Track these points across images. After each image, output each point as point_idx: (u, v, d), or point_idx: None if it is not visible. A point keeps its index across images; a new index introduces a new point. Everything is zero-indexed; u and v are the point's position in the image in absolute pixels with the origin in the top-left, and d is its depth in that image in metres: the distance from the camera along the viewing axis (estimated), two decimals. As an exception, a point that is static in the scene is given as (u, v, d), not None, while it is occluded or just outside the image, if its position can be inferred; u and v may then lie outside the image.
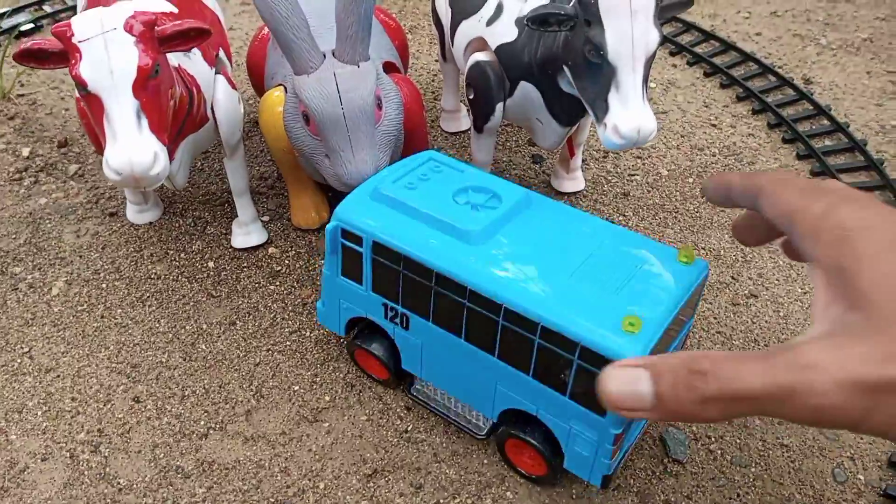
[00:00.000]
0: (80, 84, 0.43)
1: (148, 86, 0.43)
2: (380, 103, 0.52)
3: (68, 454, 0.49)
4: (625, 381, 0.31)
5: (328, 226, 0.46)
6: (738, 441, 0.48)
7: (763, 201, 0.35)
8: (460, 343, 0.43)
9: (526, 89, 0.54)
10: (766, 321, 0.57)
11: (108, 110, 0.43)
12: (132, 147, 0.42)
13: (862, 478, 0.46)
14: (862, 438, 0.48)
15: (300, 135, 0.53)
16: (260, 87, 0.67)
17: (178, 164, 0.53)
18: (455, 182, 0.46)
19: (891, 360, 0.28)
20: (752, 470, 0.47)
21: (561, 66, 0.48)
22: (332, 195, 0.66)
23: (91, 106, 0.43)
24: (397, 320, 0.46)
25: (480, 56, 0.57)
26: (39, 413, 0.51)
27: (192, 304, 0.58)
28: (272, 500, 0.45)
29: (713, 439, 0.48)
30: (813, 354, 0.29)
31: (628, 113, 0.44)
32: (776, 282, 0.60)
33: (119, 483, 0.47)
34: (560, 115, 0.54)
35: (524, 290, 0.39)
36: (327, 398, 0.51)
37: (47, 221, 0.66)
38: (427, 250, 0.42)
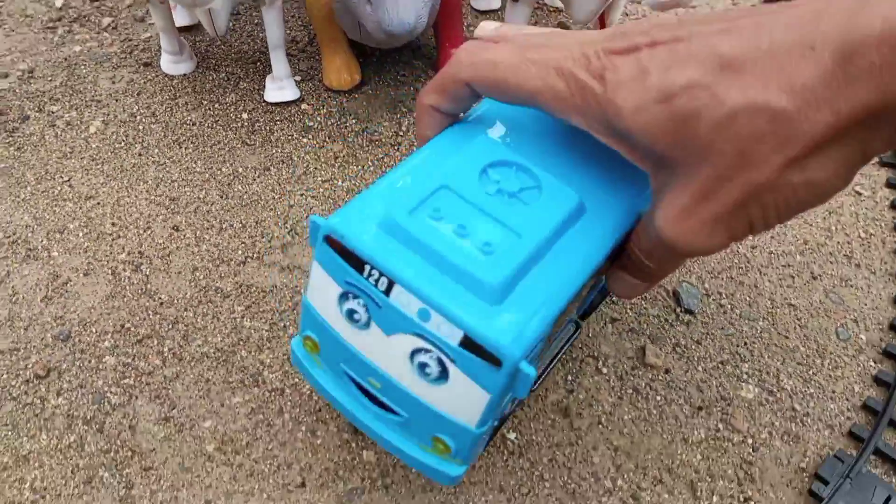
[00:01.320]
0: None
1: None
2: (427, -48, 0.52)
3: (110, 271, 0.51)
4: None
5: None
6: (748, 298, 0.51)
7: (493, 90, 0.33)
8: None
9: (570, -48, 0.54)
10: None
11: None
12: None
13: (864, 337, 0.49)
14: (866, 304, 0.51)
15: (345, -21, 0.53)
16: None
17: (222, 2, 0.54)
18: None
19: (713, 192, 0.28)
20: (760, 324, 0.49)
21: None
22: (364, 60, 0.67)
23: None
24: None
25: (526, -81, 0.57)
26: (80, 234, 0.53)
27: (227, 149, 0.60)
28: (307, 319, 0.48)
29: (724, 295, 0.51)
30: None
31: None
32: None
33: (160, 298, 0.49)
34: (602, -19, 0.54)
35: None
36: (359, 238, 0.53)
37: (82, 67, 0.67)
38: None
